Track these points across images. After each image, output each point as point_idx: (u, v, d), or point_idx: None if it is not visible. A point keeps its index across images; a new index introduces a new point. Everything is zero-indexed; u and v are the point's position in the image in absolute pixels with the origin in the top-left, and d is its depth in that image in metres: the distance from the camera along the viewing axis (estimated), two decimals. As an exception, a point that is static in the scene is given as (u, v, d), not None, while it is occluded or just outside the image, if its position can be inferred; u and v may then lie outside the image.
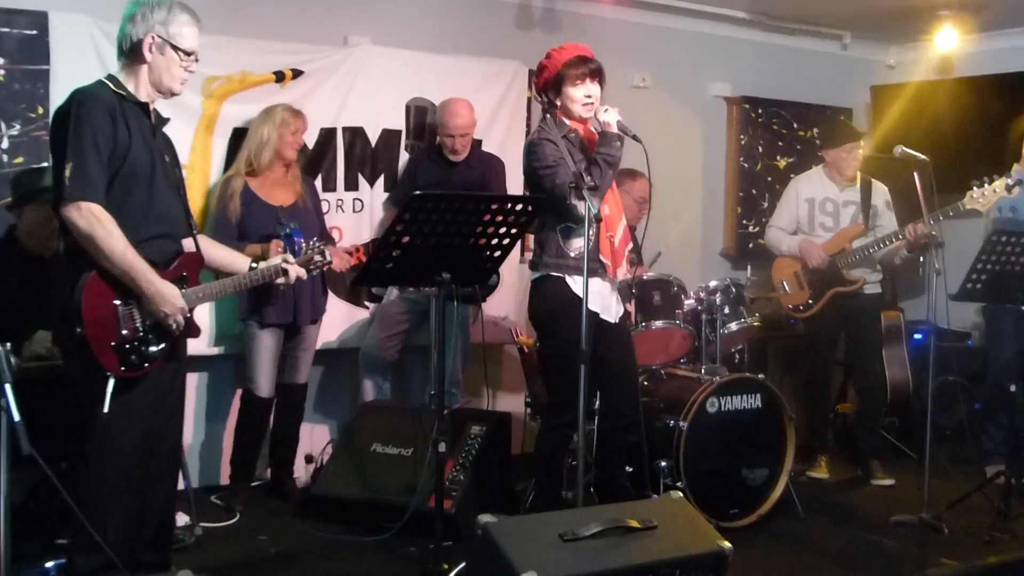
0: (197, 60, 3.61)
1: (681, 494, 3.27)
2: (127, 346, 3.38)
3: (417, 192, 3.36)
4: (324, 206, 5.49)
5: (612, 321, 4.36)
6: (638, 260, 4.92)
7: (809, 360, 6.20)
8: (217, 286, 3.77)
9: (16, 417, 2.70)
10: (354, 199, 5.72)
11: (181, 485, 4.26)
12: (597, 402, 4.57)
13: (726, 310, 5.24)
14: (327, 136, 5.60)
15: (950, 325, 7.04)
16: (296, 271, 3.97)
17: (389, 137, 5.80)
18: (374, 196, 5.78)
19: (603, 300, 4.29)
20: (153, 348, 3.44)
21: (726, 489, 4.98)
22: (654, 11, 6.78)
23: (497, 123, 6.08)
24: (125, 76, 3.52)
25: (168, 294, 3.43)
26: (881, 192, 6.00)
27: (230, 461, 5.30)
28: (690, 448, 4.82)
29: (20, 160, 4.83)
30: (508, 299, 6.04)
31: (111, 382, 3.32)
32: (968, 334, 7.17)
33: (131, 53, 3.50)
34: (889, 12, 6.87)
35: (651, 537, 2.97)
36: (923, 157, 5.19)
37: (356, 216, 5.72)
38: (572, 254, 4.18)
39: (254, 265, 3.90)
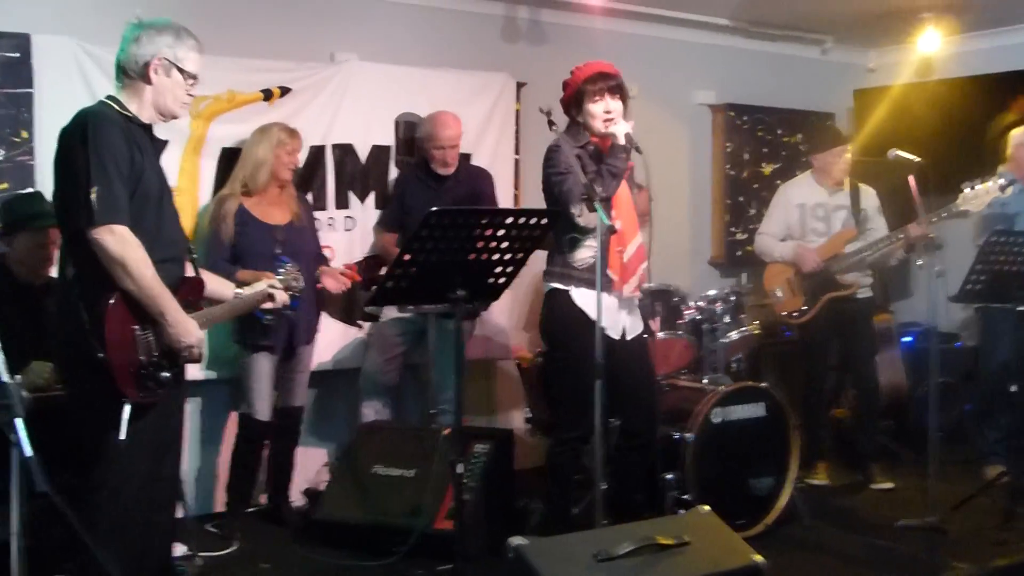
0: (196, 83, 3.56)
1: (709, 508, 3.21)
2: (143, 372, 3.31)
3: (435, 208, 3.30)
4: (315, 225, 5.40)
5: (618, 338, 4.30)
6: None
7: (805, 366, 6.17)
8: (217, 311, 3.72)
9: (28, 452, 2.61)
10: (345, 217, 5.65)
11: (179, 513, 4.16)
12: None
13: (727, 319, 5.21)
14: (317, 154, 5.53)
15: (941, 326, 7.13)
16: (282, 296, 3.97)
17: (379, 153, 5.74)
18: (365, 213, 5.71)
19: (609, 316, 4.21)
20: (166, 374, 3.38)
21: (733, 499, 4.91)
22: (639, 20, 6.75)
23: (486, 136, 6.04)
24: (127, 98, 3.45)
25: (188, 323, 3.38)
26: (870, 196, 6.00)
27: (226, 488, 5.19)
28: (697, 460, 4.78)
29: (5, 186, 4.71)
30: (502, 315, 5.98)
31: (127, 408, 3.24)
32: (957, 335, 7.18)
33: (134, 74, 3.43)
34: (871, 16, 6.89)
35: (685, 554, 2.91)
36: (917, 159, 5.20)
37: (348, 234, 5.65)
38: (577, 265, 4.19)
39: (239, 292, 3.85)
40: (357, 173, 5.68)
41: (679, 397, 5.08)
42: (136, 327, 3.32)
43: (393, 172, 5.78)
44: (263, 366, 4.98)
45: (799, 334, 6.11)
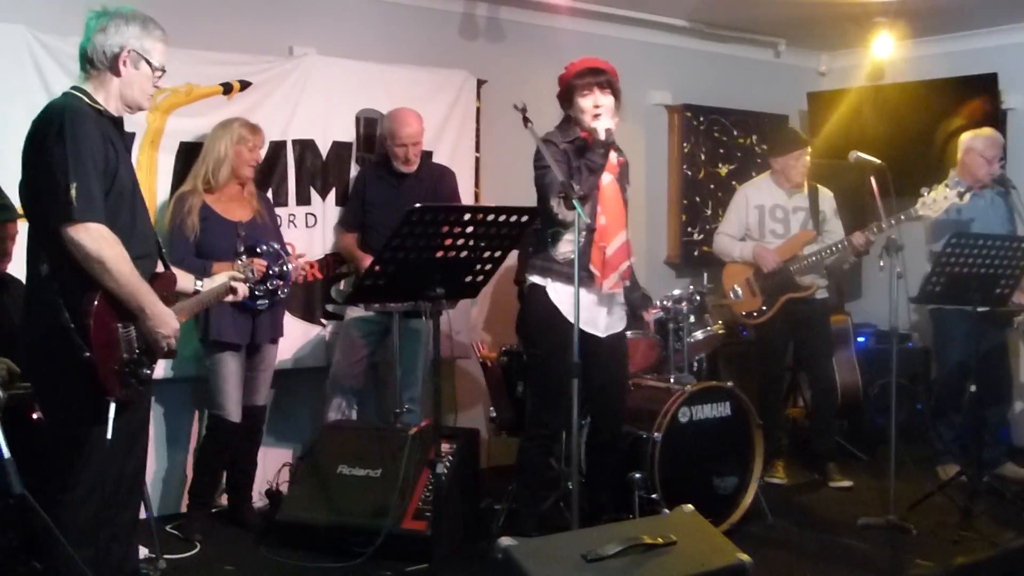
0: (162, 76, 3.48)
1: (693, 507, 3.21)
2: (126, 369, 3.24)
3: (417, 205, 3.25)
4: (277, 222, 5.31)
5: (599, 335, 4.33)
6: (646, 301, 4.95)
7: (762, 366, 6.20)
8: (189, 305, 3.66)
9: (6, 454, 2.52)
10: (307, 213, 5.57)
11: (142, 515, 4.06)
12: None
13: (691, 319, 5.22)
14: (277, 149, 5.44)
15: (896, 327, 7.23)
16: (244, 289, 3.93)
17: (340, 149, 5.67)
18: (326, 210, 5.63)
19: (589, 312, 4.24)
20: (146, 371, 3.32)
21: (698, 499, 4.74)
22: (597, 20, 6.75)
23: (447, 133, 5.99)
24: (93, 89, 3.34)
25: (167, 315, 3.32)
26: (827, 198, 6.05)
27: (189, 489, 5.09)
28: (664, 459, 4.77)
29: (-45, 179, 4.56)
30: (462, 314, 5.93)
31: (112, 407, 3.15)
32: (909, 336, 7.28)
33: (101, 65, 3.32)
34: (825, 19, 6.95)
35: (672, 553, 2.90)
36: (878, 161, 5.26)
37: (309, 231, 5.57)
38: (558, 259, 4.23)
39: (199, 286, 3.78)
40: (318, 169, 5.60)
41: (645, 396, 5.06)
42: (119, 324, 3.25)
43: (354, 169, 5.71)
44: (230, 366, 4.88)
45: (756, 334, 6.14)
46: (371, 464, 4.83)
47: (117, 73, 3.32)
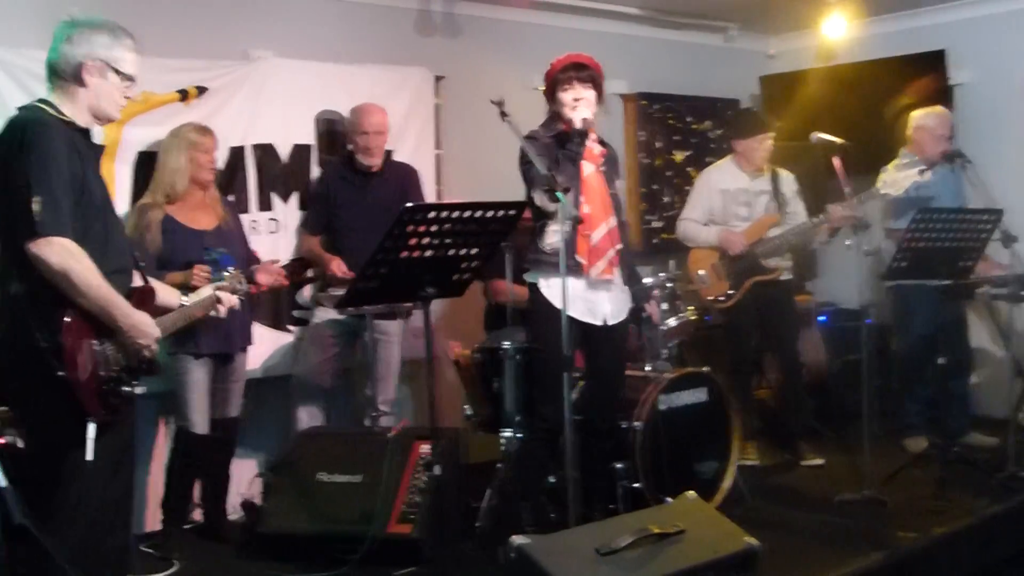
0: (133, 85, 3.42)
1: (695, 494, 3.21)
2: (105, 387, 3.17)
3: (409, 204, 3.22)
4: (243, 228, 5.23)
5: (599, 324, 4.37)
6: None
7: (731, 350, 6.23)
8: (169, 321, 3.57)
9: (3, 483, 2.44)
10: (269, 219, 5.50)
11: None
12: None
13: (664, 306, 5.23)
14: (237, 155, 5.37)
15: (850, 304, 7.32)
16: (230, 300, 3.89)
17: (300, 152, 5.60)
18: (289, 214, 5.57)
19: (587, 302, 4.32)
20: (127, 388, 3.25)
21: (680, 485, 4.83)
22: (551, 11, 6.76)
23: (408, 131, 5.95)
24: (59, 101, 3.26)
25: (144, 324, 3.26)
26: (789, 180, 6.10)
27: (161, 505, 4.99)
28: (646, 447, 4.77)
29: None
30: (433, 313, 5.87)
31: (92, 427, 3.07)
32: (867, 312, 7.35)
33: (67, 76, 3.25)
34: (777, 1, 7.00)
35: (683, 542, 2.92)
36: (840, 141, 5.32)
37: (272, 237, 5.50)
38: (547, 250, 4.29)
39: (184, 301, 3.73)
40: (279, 173, 5.53)
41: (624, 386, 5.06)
42: (94, 342, 3.17)
43: (315, 171, 5.65)
44: (198, 377, 4.79)
45: (724, 318, 6.17)
46: (351, 469, 4.76)
47: (83, 83, 3.25)
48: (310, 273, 5.62)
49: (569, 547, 2.83)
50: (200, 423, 4.82)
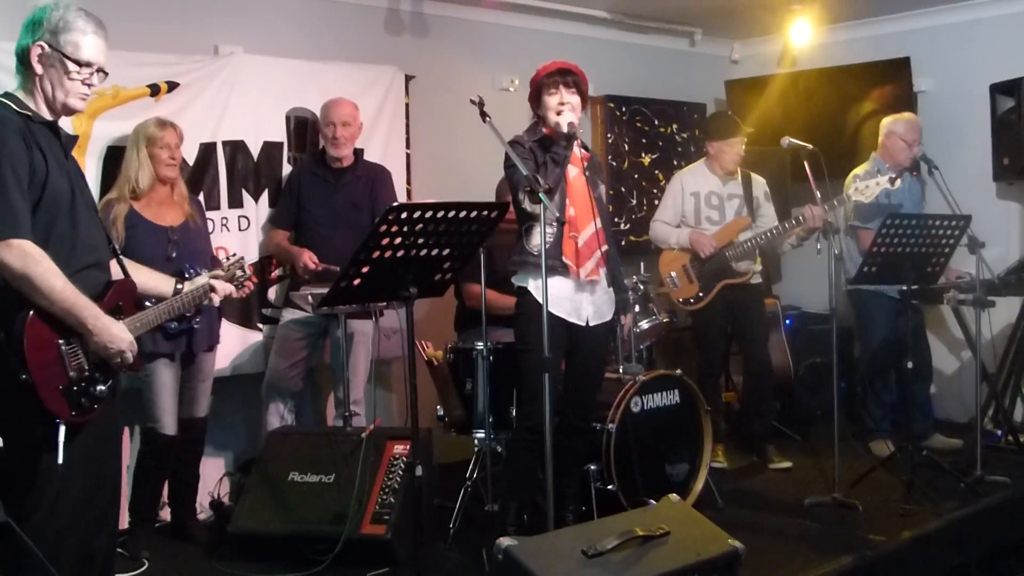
0: (106, 73, 3.29)
1: (678, 497, 3.22)
2: (75, 388, 3.07)
3: (395, 203, 3.19)
4: (209, 226, 5.16)
5: (583, 324, 4.39)
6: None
7: (700, 352, 6.26)
8: (153, 314, 3.46)
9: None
10: (239, 216, 5.43)
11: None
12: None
13: (636, 308, 5.24)
14: (207, 151, 5.30)
15: (813, 308, 7.40)
16: (224, 288, 3.76)
17: (271, 150, 5.55)
18: (259, 212, 5.50)
19: (572, 303, 4.37)
20: (101, 387, 3.15)
21: (652, 487, 4.92)
22: (520, 13, 6.76)
23: (378, 129, 5.91)
24: (24, 93, 3.16)
25: (112, 330, 3.14)
26: (760, 184, 6.13)
27: (129, 506, 4.90)
28: (618, 449, 4.78)
29: None
30: (400, 313, 5.85)
31: (62, 429, 3.00)
32: (835, 316, 7.42)
33: (25, 65, 3.15)
34: (742, 7, 7.05)
35: (668, 544, 2.92)
36: (810, 147, 5.35)
37: (243, 234, 5.43)
38: (532, 251, 4.31)
39: (179, 287, 3.64)
40: (249, 170, 5.46)
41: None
42: (61, 342, 3.08)
43: (286, 169, 5.59)
44: (165, 377, 4.72)
45: (694, 320, 6.19)
46: (323, 469, 4.73)
47: (35, 72, 3.13)
48: (279, 271, 5.57)
49: (555, 549, 2.82)
50: (168, 424, 4.75)
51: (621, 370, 5.10)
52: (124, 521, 4.95)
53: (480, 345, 4.96)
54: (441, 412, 5.24)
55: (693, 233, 5.95)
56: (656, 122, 7.60)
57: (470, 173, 6.13)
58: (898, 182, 5.50)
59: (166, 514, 5.11)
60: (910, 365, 5.36)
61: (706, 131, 6.42)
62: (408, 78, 6.12)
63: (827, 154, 5.37)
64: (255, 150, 5.48)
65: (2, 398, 3.04)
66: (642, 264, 5.87)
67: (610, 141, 7.34)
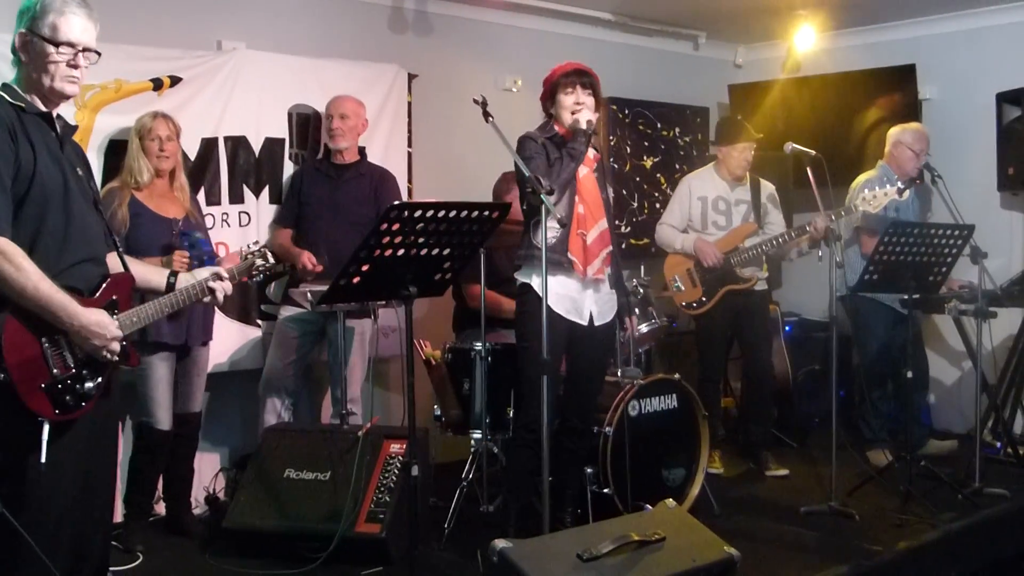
0: (98, 53, 3.19)
1: (674, 502, 3.20)
2: (59, 386, 3.03)
3: (396, 203, 3.18)
4: (209, 221, 5.17)
5: (585, 324, 4.39)
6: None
7: (702, 357, 6.22)
8: (151, 308, 3.41)
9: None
10: (240, 212, 5.42)
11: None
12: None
13: (636, 312, 5.22)
14: (209, 146, 5.29)
15: (811, 315, 7.38)
16: (224, 288, 3.63)
17: (272, 146, 5.53)
18: (260, 208, 5.49)
19: (574, 302, 4.37)
20: (89, 384, 3.10)
21: (648, 491, 4.90)
22: (524, 13, 6.75)
23: (380, 127, 5.89)
24: (20, 85, 3.12)
25: (96, 324, 3.08)
26: (768, 190, 6.11)
27: (124, 499, 4.89)
28: (615, 453, 4.76)
29: None
30: (399, 312, 5.83)
31: (46, 428, 2.96)
32: (835, 323, 7.40)
33: (16, 56, 3.11)
34: (747, 12, 7.03)
35: (663, 550, 2.90)
36: (814, 153, 5.33)
37: (243, 230, 5.41)
38: (538, 245, 4.22)
39: (172, 279, 3.56)
40: (251, 166, 5.45)
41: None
42: (44, 339, 3.04)
43: (288, 165, 5.59)
44: (160, 371, 4.70)
45: (696, 325, 6.18)
46: (319, 467, 4.71)
47: (23, 60, 3.09)
48: (280, 268, 5.54)
49: (550, 552, 2.81)
50: (163, 419, 4.73)
51: (619, 373, 5.08)
52: (119, 514, 4.97)
53: (478, 345, 4.95)
54: (438, 412, 5.23)
55: (698, 241, 5.93)
56: (659, 125, 7.58)
57: (472, 173, 6.12)
58: (907, 193, 5.49)
59: (161, 508, 5.10)
60: (909, 375, 5.34)
61: (715, 135, 6.40)
62: (411, 77, 6.11)
63: (830, 160, 5.37)
64: (257, 146, 5.47)
65: None
66: (642, 267, 5.85)
67: (612, 143, 7.32)
